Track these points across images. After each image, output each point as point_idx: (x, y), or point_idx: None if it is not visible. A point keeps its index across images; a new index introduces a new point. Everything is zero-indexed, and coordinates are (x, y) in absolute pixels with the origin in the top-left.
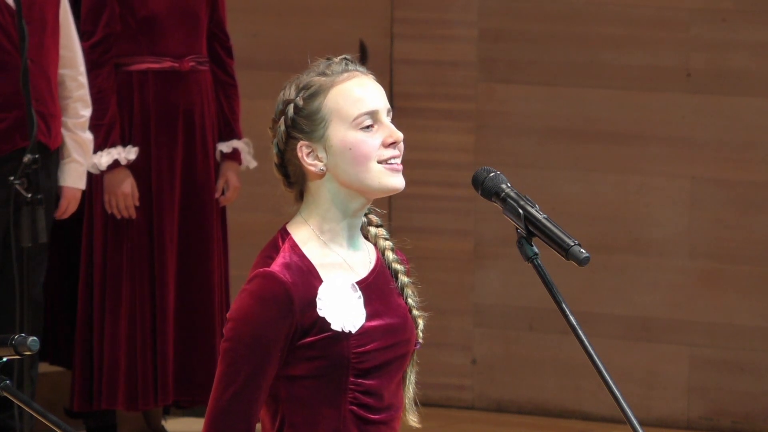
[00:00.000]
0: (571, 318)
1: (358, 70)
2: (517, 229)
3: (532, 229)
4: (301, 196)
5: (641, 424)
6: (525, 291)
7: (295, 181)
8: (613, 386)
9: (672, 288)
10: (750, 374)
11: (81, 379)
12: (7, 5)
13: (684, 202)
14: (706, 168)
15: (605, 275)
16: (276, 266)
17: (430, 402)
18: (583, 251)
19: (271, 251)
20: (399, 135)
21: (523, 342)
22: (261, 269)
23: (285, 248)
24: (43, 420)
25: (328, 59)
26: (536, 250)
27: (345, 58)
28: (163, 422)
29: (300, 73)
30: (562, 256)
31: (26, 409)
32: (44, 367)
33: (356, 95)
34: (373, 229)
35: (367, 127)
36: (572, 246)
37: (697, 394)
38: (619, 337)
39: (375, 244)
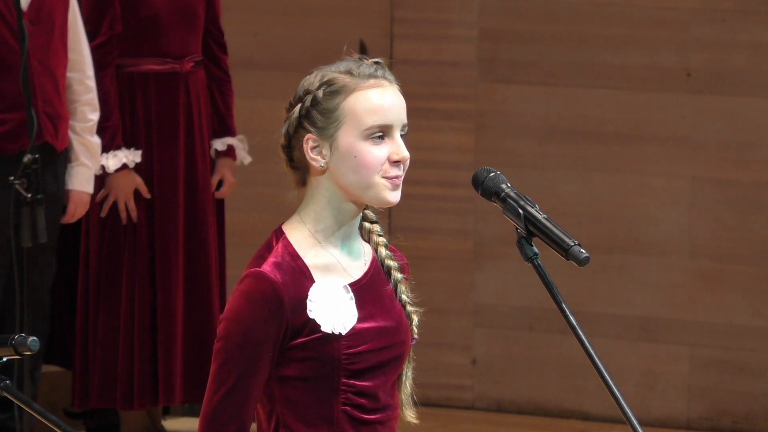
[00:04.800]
0: (571, 318)
1: (386, 78)
2: (517, 229)
3: (532, 229)
4: (302, 183)
5: (641, 424)
6: (525, 291)
7: (298, 167)
8: (613, 386)
9: (672, 288)
10: (750, 374)
11: (80, 379)
12: (17, 7)
13: (684, 202)
14: (706, 168)
15: (605, 275)
16: (267, 266)
17: (430, 402)
18: (583, 251)
19: (264, 251)
20: (406, 155)
21: (523, 342)
22: (251, 269)
23: (278, 248)
24: (43, 420)
25: (360, 58)
26: (536, 250)
27: (377, 62)
28: (162, 422)
29: (328, 65)
30: (562, 256)
31: (26, 409)
32: (44, 367)
33: (375, 105)
34: (367, 225)
35: (378, 137)
36: (572, 246)
37: (697, 394)
38: (619, 337)
39: (369, 240)
